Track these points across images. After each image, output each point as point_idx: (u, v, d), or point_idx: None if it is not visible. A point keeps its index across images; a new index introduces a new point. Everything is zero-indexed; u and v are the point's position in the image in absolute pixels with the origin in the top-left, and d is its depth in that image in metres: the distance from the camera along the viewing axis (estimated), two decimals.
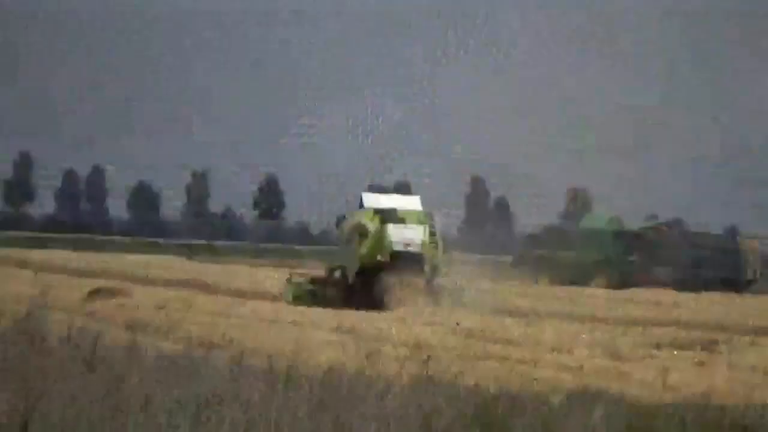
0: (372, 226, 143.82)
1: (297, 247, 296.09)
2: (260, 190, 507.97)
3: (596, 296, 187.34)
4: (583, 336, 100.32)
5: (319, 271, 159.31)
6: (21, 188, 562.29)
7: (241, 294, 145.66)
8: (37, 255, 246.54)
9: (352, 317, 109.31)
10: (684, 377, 69.13)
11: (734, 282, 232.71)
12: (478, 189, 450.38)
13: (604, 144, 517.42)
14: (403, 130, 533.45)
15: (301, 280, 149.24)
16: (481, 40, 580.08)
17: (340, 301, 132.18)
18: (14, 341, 54.93)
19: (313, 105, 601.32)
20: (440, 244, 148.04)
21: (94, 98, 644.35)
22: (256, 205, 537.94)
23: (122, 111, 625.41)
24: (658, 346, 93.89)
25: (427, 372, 56.26)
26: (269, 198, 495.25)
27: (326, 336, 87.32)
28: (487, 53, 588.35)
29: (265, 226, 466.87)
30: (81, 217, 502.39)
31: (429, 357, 64.57)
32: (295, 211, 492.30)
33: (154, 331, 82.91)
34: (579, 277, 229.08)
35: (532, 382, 59.06)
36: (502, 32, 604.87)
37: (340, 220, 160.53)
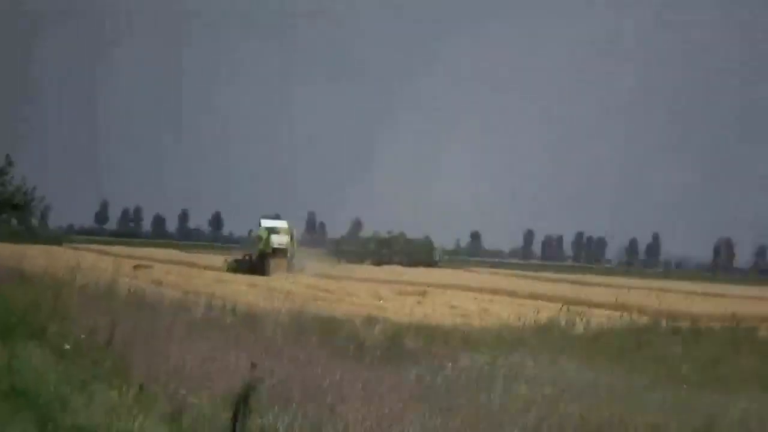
0: (264, 235, 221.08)
1: (232, 245, 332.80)
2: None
3: (368, 268, 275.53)
4: (363, 288, 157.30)
5: (239, 255, 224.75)
6: None
7: (205, 267, 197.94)
8: (110, 249, 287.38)
9: (255, 278, 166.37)
10: (413, 309, 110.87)
11: (431, 263, 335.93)
12: (312, 218, 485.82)
13: None
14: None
15: (231, 259, 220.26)
16: None
17: (249, 271, 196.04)
18: (105, 296, 75.95)
19: None
20: (295, 244, 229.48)
21: None
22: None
23: None
24: (399, 293, 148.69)
25: (292, 305, 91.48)
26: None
27: (245, 288, 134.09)
28: None
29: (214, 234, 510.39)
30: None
31: (292, 298, 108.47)
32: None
33: (167, 285, 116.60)
34: (358, 259, 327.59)
35: (344, 314, 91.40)
36: None
37: (250, 232, 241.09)
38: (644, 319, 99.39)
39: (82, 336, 41.37)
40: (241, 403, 23.24)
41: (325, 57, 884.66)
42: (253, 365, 26.80)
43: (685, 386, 54.02)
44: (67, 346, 36.89)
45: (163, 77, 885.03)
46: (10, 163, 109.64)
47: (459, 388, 44.60)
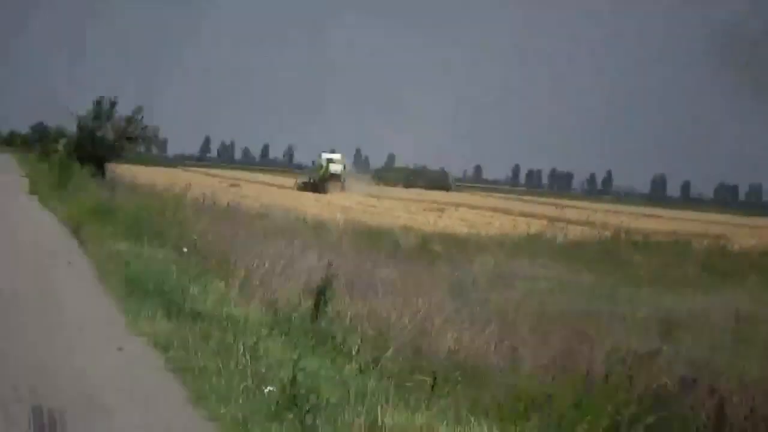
0: (324, 164, 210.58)
1: (296, 170, 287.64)
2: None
3: (400, 190, 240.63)
4: (398, 205, 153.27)
5: (305, 179, 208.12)
6: None
7: (280, 187, 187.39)
8: (211, 171, 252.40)
9: (318, 196, 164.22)
10: (437, 221, 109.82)
11: (445, 187, 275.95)
12: (359, 152, 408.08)
13: None
14: None
15: (299, 181, 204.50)
16: None
17: (312, 190, 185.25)
18: (209, 206, 69.10)
19: None
20: (346, 171, 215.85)
21: None
22: None
23: None
24: (424, 209, 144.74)
25: (348, 216, 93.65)
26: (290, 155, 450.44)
27: (311, 202, 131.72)
28: None
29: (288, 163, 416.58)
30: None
31: (346, 211, 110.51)
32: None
33: (251, 199, 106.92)
34: (393, 184, 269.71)
35: (386, 224, 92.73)
36: None
37: (314, 162, 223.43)
38: (608, 233, 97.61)
39: (194, 237, 38.76)
40: (321, 293, 22.77)
41: None
42: (329, 264, 25.91)
43: (645, 286, 53.31)
44: (185, 249, 34.90)
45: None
46: (139, 110, 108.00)
47: (475, 281, 44.05)
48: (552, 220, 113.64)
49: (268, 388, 12.70)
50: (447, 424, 12.95)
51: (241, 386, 13.88)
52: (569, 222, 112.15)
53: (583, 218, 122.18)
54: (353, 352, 17.86)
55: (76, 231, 42.73)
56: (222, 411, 13.12)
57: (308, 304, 22.73)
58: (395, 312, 25.44)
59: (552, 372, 19.75)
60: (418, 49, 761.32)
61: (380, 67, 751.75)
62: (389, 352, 17.45)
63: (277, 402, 13.08)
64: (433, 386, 14.79)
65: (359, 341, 19.15)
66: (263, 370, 14.91)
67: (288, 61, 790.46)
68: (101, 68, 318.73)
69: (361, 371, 17.42)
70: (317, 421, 12.23)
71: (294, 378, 12.63)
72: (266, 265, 29.38)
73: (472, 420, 14.21)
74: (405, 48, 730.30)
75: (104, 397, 13.99)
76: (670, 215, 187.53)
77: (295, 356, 15.46)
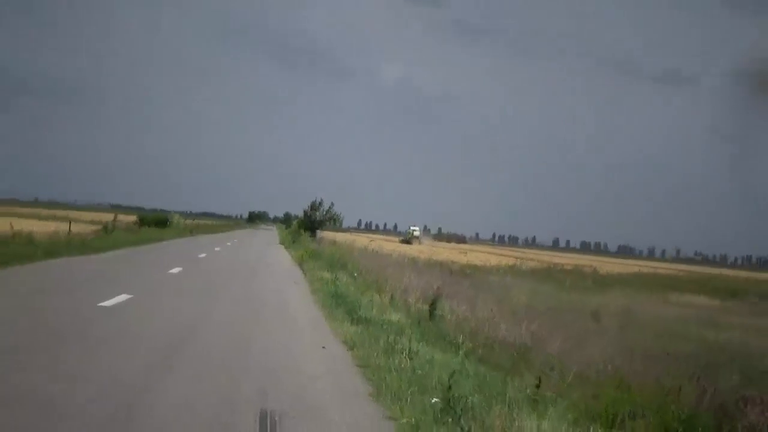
0: (411, 230, 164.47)
1: (398, 234, 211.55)
2: None
3: (445, 244, 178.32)
4: (445, 251, 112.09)
5: (403, 237, 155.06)
6: None
7: (392, 242, 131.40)
8: (358, 234, 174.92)
9: (409, 245, 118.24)
10: (464, 258, 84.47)
11: (463, 242, 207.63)
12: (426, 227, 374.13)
13: None
14: None
15: (400, 239, 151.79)
16: None
17: (406, 243, 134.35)
18: (363, 250, 64.52)
19: None
20: (420, 233, 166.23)
21: None
22: None
23: None
24: (458, 252, 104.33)
25: (424, 256, 71.88)
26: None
27: (407, 248, 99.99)
28: None
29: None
30: None
31: (422, 252, 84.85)
32: None
33: (381, 247, 77.56)
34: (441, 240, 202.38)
35: (443, 258, 72.40)
36: None
37: (406, 230, 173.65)
38: (545, 266, 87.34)
39: (360, 268, 35.95)
40: (434, 301, 20.19)
41: None
42: (438, 288, 23.11)
43: (566, 291, 48.63)
44: (356, 274, 32.56)
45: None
46: (331, 206, 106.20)
47: (486, 287, 39.40)
48: (519, 258, 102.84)
49: (434, 399, 10.16)
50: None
51: (409, 390, 10.50)
52: (528, 260, 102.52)
53: (535, 259, 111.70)
54: (459, 342, 15.53)
55: (299, 264, 41.05)
56: (397, 410, 9.81)
57: (425, 308, 20.12)
58: (470, 310, 22.16)
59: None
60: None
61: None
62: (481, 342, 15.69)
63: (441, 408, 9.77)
64: (538, 386, 11.67)
65: (461, 336, 16.27)
66: (420, 372, 11.79)
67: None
68: (310, 185, 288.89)
69: (466, 356, 14.35)
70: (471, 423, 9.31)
71: (450, 387, 10.03)
72: (400, 283, 26.66)
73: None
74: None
75: (312, 386, 10.97)
76: (573, 257, 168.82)
77: (437, 356, 13.48)
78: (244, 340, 15.29)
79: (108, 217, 68.33)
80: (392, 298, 20.88)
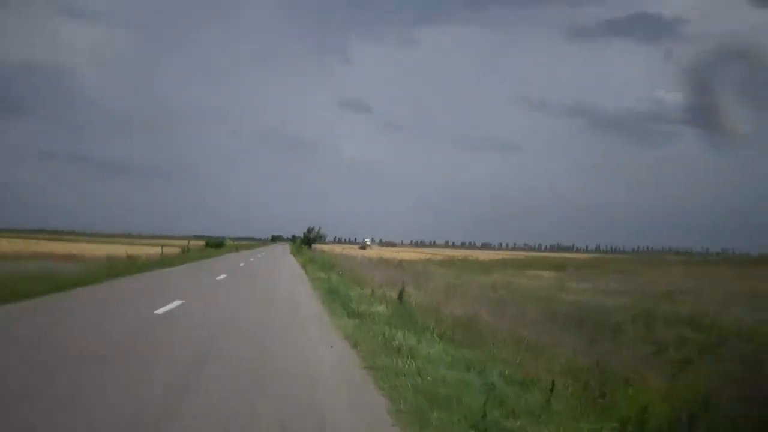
0: (365, 240, 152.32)
1: (356, 243, 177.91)
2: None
3: (389, 248, 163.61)
4: (388, 253, 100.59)
5: (358, 246, 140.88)
6: None
7: (353, 248, 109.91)
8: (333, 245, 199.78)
9: (364, 251, 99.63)
10: (402, 256, 78.19)
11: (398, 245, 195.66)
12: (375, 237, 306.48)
13: None
14: None
15: (358, 247, 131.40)
16: None
17: (362, 248, 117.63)
18: (342, 255, 71.63)
19: None
20: (371, 243, 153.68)
21: None
22: None
23: None
24: (396, 253, 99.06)
25: (376, 256, 67.94)
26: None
27: (363, 252, 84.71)
28: None
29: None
30: None
31: (375, 254, 72.88)
32: None
33: (352, 252, 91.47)
34: (386, 246, 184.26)
35: (388, 258, 66.65)
36: None
37: (363, 240, 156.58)
38: (457, 258, 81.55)
39: (342, 268, 30.38)
40: (401, 292, 15.63)
41: None
42: (403, 282, 17.64)
43: (469, 273, 43.54)
44: (340, 272, 27.42)
45: None
46: (318, 228, 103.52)
47: (417, 273, 33.10)
48: (431, 254, 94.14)
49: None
50: None
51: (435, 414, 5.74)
52: (437, 255, 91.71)
53: (440, 254, 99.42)
54: (431, 327, 11.42)
55: (303, 267, 35.80)
56: None
57: (394, 293, 15.42)
58: (419, 293, 18.51)
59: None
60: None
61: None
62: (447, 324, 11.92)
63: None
64: (551, 389, 6.88)
65: (432, 321, 11.70)
66: (430, 379, 7.17)
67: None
68: (308, 210, 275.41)
69: (440, 340, 10.11)
70: None
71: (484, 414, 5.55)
72: (375, 278, 21.73)
73: None
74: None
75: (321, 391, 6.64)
76: (465, 251, 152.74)
77: (429, 349, 9.29)
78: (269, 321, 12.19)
79: (184, 243, 65.29)
80: (372, 292, 16.82)
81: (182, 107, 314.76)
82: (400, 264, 48.50)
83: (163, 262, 32.72)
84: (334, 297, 16.69)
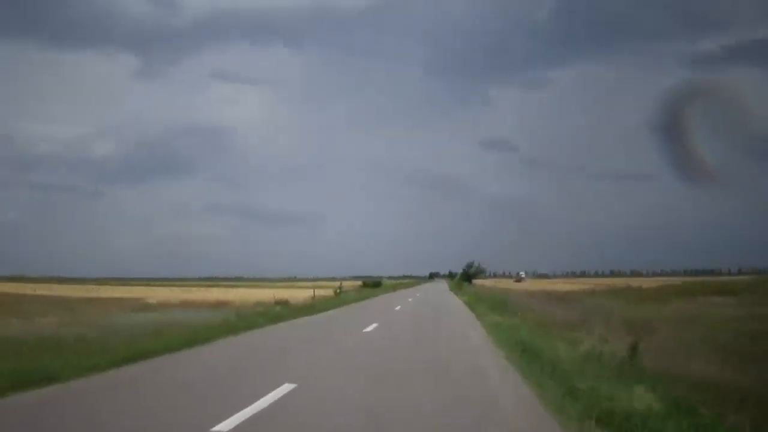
0: (519, 274, 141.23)
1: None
2: None
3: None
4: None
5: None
6: None
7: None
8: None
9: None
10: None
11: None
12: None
13: None
14: None
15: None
16: None
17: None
18: (504, 289, 64.26)
19: None
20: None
21: None
22: None
23: None
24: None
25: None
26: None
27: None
28: None
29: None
30: None
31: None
32: None
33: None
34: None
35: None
36: None
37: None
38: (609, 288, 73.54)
39: (516, 306, 23.51)
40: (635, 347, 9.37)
41: None
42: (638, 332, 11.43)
43: (642, 304, 35.23)
44: (519, 313, 20.22)
45: None
46: (478, 263, 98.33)
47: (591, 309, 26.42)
48: (589, 285, 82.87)
49: None
50: None
51: None
52: (596, 285, 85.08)
53: (599, 284, 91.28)
54: None
55: (470, 307, 29.75)
56: None
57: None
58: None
59: None
60: None
61: None
62: None
63: None
64: None
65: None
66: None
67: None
68: (458, 246, 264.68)
69: None
70: None
71: None
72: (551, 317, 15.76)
73: None
74: None
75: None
76: (618, 280, 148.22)
77: None
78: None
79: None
80: (592, 347, 10.42)
81: (333, 157, 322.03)
82: (565, 297, 41.24)
83: (309, 307, 27.98)
84: (532, 361, 10.23)
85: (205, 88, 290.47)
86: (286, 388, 7.93)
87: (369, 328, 17.70)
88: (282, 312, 23.17)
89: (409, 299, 42.72)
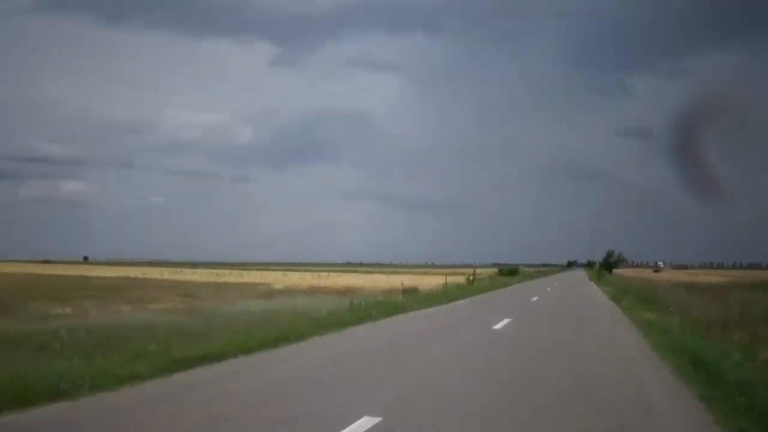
0: (658, 264, 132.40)
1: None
2: None
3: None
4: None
5: None
6: None
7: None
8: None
9: None
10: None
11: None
12: None
13: None
14: None
15: None
16: None
17: None
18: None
19: None
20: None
21: None
22: None
23: None
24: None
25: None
26: None
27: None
28: None
29: None
30: None
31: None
32: None
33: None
34: None
35: None
36: None
37: None
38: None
39: (666, 300, 20.75)
40: None
41: None
42: None
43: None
44: (671, 309, 16.82)
45: None
46: (618, 252, 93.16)
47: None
48: (731, 276, 77.12)
49: None
50: None
51: None
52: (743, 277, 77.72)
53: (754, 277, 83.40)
54: None
55: (614, 300, 26.23)
56: None
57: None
58: None
59: None
60: None
61: None
62: None
63: None
64: None
65: None
66: None
67: None
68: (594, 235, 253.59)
69: None
70: None
71: None
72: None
73: None
74: None
75: None
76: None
77: None
78: None
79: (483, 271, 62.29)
80: None
81: (469, 146, 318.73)
82: (708, 289, 36.52)
83: (437, 296, 25.58)
84: (711, 382, 7.23)
85: (342, 75, 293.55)
86: (365, 424, 5.41)
87: (499, 325, 14.87)
88: (403, 302, 20.81)
89: (547, 289, 39.46)
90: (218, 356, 8.64)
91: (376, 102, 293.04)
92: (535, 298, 28.17)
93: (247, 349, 9.30)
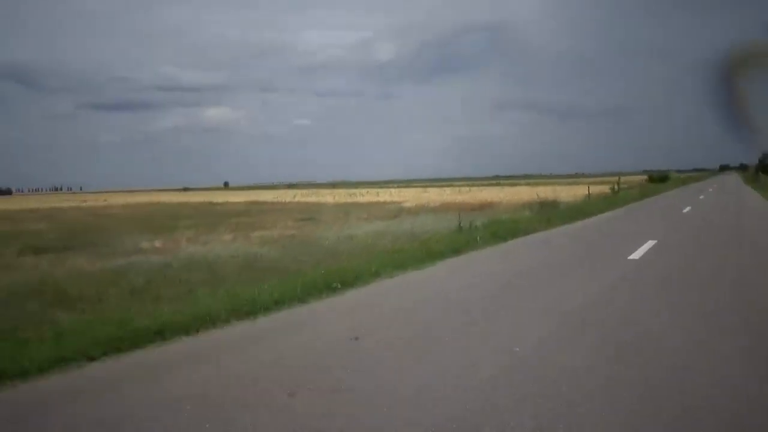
0: None
1: None
2: None
3: None
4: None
5: None
6: None
7: None
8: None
9: None
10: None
11: None
12: None
13: None
14: None
15: None
16: None
17: None
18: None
19: None
20: None
21: None
22: None
23: None
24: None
25: None
26: None
27: None
28: None
29: None
30: None
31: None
32: None
33: None
34: None
35: None
36: None
37: None
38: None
39: None
40: None
41: None
42: None
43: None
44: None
45: None
46: None
47: None
48: None
49: None
50: None
51: None
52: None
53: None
54: None
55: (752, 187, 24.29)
56: None
57: None
58: None
59: None
60: None
61: None
62: None
63: None
64: None
65: None
66: None
67: None
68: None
69: None
70: None
71: None
72: None
73: None
74: None
75: None
76: None
77: None
78: None
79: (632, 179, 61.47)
80: None
81: (628, 48, 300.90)
82: None
83: (573, 210, 22.30)
84: None
85: None
86: None
87: (637, 253, 10.83)
88: (529, 220, 17.81)
89: (701, 196, 34.62)
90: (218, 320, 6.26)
91: (522, 10, 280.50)
92: (686, 209, 24.16)
93: (279, 304, 6.96)
